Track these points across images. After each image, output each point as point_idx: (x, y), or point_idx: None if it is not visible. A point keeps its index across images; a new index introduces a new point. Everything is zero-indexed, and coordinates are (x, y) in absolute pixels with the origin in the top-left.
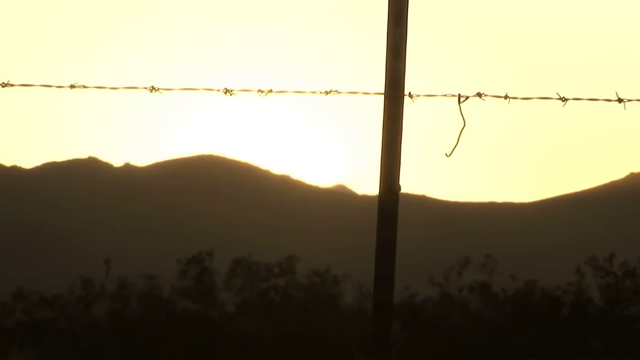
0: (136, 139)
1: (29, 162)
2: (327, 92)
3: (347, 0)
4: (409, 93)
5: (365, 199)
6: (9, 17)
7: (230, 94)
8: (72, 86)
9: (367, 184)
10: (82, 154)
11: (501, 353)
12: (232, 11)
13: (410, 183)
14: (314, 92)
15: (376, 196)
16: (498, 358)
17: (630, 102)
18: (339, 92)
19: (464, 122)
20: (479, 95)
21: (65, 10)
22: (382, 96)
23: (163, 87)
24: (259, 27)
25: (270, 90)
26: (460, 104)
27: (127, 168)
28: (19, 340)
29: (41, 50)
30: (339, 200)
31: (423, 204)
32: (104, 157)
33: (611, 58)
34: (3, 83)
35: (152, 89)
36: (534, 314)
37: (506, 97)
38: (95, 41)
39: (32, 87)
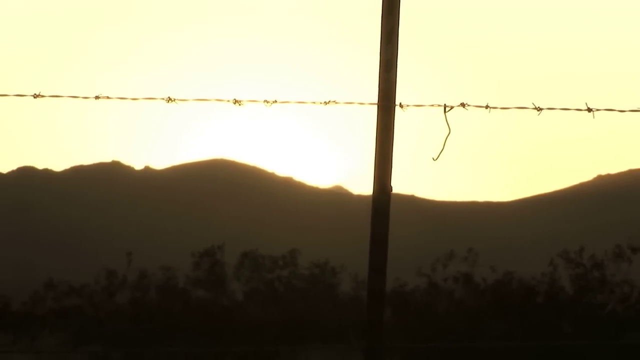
0: (154, 144)
1: (58, 165)
2: (326, 103)
3: (343, 20)
4: (400, 103)
5: (360, 198)
6: (39, 35)
7: (239, 104)
8: (96, 97)
9: (362, 185)
10: (106, 158)
11: (482, 335)
12: (241, 31)
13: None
14: (314, 103)
15: (370, 196)
16: (479, 340)
17: (598, 111)
18: (336, 103)
19: (449, 129)
20: (463, 105)
21: (91, 29)
22: (376, 106)
23: (179, 98)
24: (265, 45)
25: (275, 101)
26: (446, 113)
27: (147, 171)
28: (50, 325)
29: (68, 65)
30: (336, 199)
31: (412, 203)
32: (126, 161)
33: (581, 72)
34: (35, 94)
35: (169, 99)
36: (511, 301)
37: (487, 107)
38: (117, 57)
39: (60, 98)
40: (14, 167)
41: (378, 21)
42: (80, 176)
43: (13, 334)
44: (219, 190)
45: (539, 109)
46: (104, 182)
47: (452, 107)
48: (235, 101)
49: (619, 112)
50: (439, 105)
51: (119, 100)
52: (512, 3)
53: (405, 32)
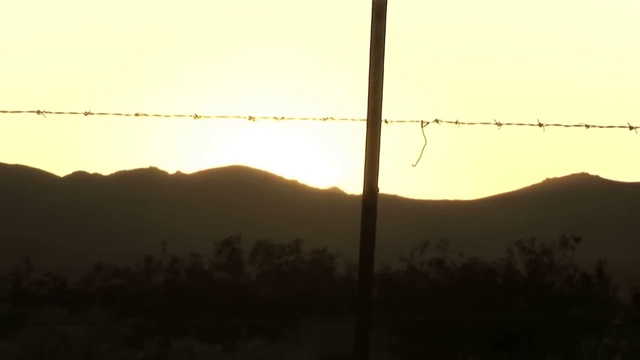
0: (184, 153)
1: (106, 170)
2: (324, 119)
3: (338, 50)
4: (385, 119)
5: (353, 197)
6: (91, 61)
7: (253, 120)
8: (136, 114)
9: (354, 187)
10: (145, 164)
11: (452, 309)
12: (254, 60)
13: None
14: (314, 119)
15: (361, 195)
16: (449, 313)
17: (547, 126)
18: (333, 119)
19: (425, 140)
20: (437, 121)
21: (134, 57)
22: (365, 122)
23: (204, 115)
24: (273, 71)
25: (283, 117)
26: (423, 127)
27: (178, 175)
28: (98, 301)
29: (115, 87)
30: (333, 199)
31: (395, 201)
32: (161, 167)
33: (534, 94)
34: (86, 112)
35: (196, 116)
36: (476, 282)
37: (457, 122)
38: (155, 80)
39: (106, 115)
40: (69, 172)
41: (367, 51)
42: (124, 179)
43: (68, 308)
44: (237, 191)
45: (499, 124)
46: (143, 184)
47: (427, 123)
48: (250, 117)
49: (565, 127)
50: (417, 121)
51: (155, 116)
52: (479, 36)
53: (389, 58)
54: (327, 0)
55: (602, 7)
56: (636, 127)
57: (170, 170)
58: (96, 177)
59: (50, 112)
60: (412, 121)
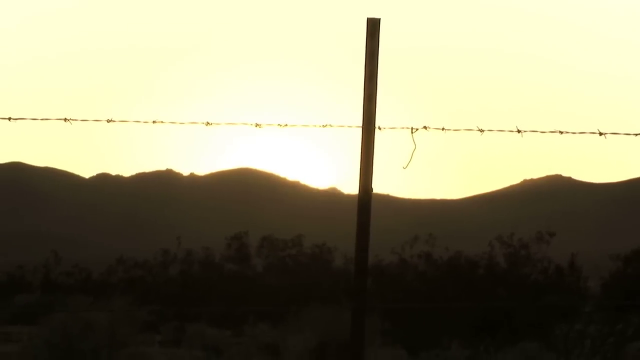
0: (198, 157)
1: (127, 172)
2: (324, 126)
3: (335, 63)
4: (379, 126)
5: (349, 197)
6: (110, 71)
7: (259, 127)
8: (154, 122)
9: (351, 187)
10: (162, 167)
11: (438, 298)
12: (260, 73)
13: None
14: (315, 125)
15: (357, 195)
16: (436, 301)
17: (526, 132)
18: (332, 126)
19: (415, 145)
20: (425, 127)
21: (153, 69)
22: (360, 128)
23: (215, 122)
24: (278, 83)
25: (286, 125)
26: (413, 134)
27: (192, 176)
28: (120, 290)
29: (136, 96)
30: (332, 198)
31: (388, 200)
32: (177, 169)
33: (513, 104)
34: (108, 119)
35: (207, 123)
36: (460, 273)
37: (443, 128)
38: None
39: (127, 122)
40: (94, 174)
41: (362, 65)
42: (143, 180)
43: (93, 296)
44: (245, 191)
45: (482, 131)
46: (160, 185)
47: (417, 129)
48: (257, 124)
49: (541, 133)
50: (407, 127)
51: (171, 123)
52: (464, 52)
53: (383, 71)
54: (328, 20)
55: (576, 29)
56: (605, 133)
57: (185, 172)
58: (118, 178)
59: (76, 120)
60: (402, 128)
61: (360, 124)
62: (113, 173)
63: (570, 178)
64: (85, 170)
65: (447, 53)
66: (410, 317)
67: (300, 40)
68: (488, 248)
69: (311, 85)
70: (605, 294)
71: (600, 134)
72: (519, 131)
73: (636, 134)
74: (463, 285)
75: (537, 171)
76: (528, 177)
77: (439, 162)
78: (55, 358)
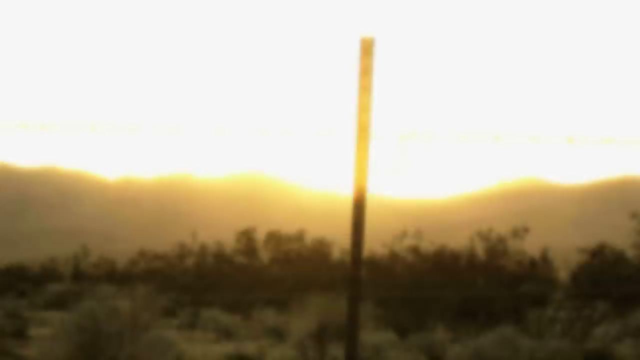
0: (211, 161)
1: (148, 174)
2: (324, 133)
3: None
4: (372, 133)
5: (346, 197)
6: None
7: (267, 134)
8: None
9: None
10: (179, 170)
11: (425, 287)
12: (267, 84)
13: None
14: (315, 133)
15: (352, 196)
16: (423, 290)
17: (503, 138)
18: (331, 133)
19: (405, 149)
20: (414, 133)
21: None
22: (356, 135)
23: (225, 129)
24: (285, 94)
25: (290, 132)
26: (403, 139)
27: (206, 178)
28: (142, 280)
29: (152, 105)
30: (330, 198)
31: (380, 200)
32: (192, 172)
33: (492, 112)
34: (130, 127)
35: (219, 131)
36: (444, 264)
37: (430, 135)
38: (187, 97)
39: (147, 128)
40: (118, 176)
41: (356, 77)
42: (162, 181)
43: (117, 286)
44: (253, 191)
45: (464, 136)
46: (178, 186)
47: (407, 135)
48: (265, 132)
49: (516, 138)
50: (397, 134)
51: (189, 130)
52: (447, 68)
53: (376, 81)
54: (330, 39)
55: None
56: (573, 136)
57: (200, 174)
58: (140, 180)
59: (102, 125)
60: (393, 134)
61: (356, 132)
62: (135, 175)
63: (542, 179)
64: (112, 173)
65: (435, 68)
66: (400, 303)
67: (305, 57)
68: (469, 242)
69: (314, 96)
70: (573, 283)
71: (569, 139)
72: (497, 137)
73: (602, 140)
74: (447, 275)
75: (513, 173)
76: (504, 179)
77: (426, 165)
78: (84, 340)
